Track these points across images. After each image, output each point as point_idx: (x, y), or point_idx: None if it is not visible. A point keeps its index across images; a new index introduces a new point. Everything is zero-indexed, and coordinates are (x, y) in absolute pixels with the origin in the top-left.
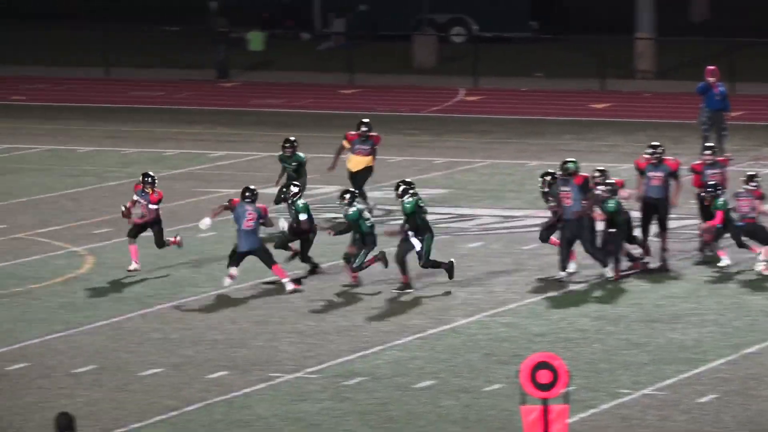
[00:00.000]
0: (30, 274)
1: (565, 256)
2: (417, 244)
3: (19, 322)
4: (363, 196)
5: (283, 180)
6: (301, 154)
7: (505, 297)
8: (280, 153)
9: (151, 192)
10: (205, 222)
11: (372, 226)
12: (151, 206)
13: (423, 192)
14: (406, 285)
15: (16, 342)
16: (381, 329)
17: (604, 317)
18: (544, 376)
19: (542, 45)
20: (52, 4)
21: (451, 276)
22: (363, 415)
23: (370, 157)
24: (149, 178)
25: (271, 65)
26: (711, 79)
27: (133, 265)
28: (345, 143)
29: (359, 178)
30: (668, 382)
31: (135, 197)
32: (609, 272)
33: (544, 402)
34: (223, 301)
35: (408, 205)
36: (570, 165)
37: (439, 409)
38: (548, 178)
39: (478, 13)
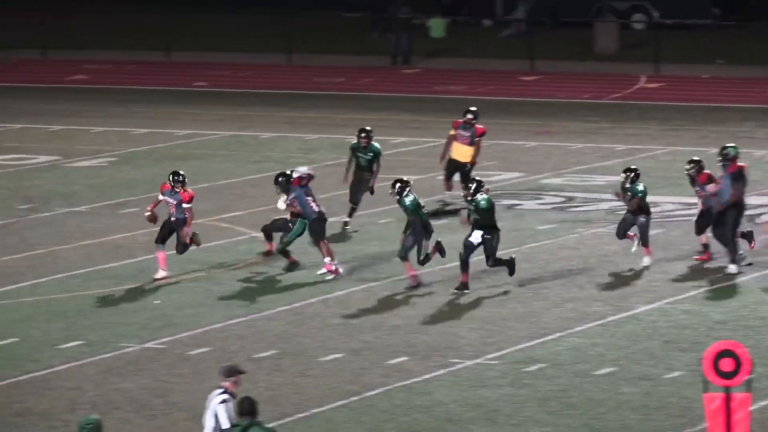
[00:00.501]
0: (212, 259)
1: (734, 248)
2: (477, 238)
3: (202, 307)
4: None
5: (351, 173)
6: (377, 145)
7: (684, 284)
8: (354, 142)
9: (182, 191)
10: (281, 205)
11: (428, 215)
12: (184, 205)
13: (604, 179)
14: (464, 285)
15: (198, 326)
16: (561, 316)
17: None
18: (727, 364)
19: (724, 32)
20: None
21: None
22: (543, 401)
23: (470, 149)
24: (179, 177)
25: (453, 52)
26: None
27: (161, 273)
28: (452, 131)
29: (454, 168)
30: None
31: (161, 197)
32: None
33: (727, 390)
34: (401, 288)
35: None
36: (730, 150)
37: (619, 396)
38: (692, 165)
39: (659, 0)
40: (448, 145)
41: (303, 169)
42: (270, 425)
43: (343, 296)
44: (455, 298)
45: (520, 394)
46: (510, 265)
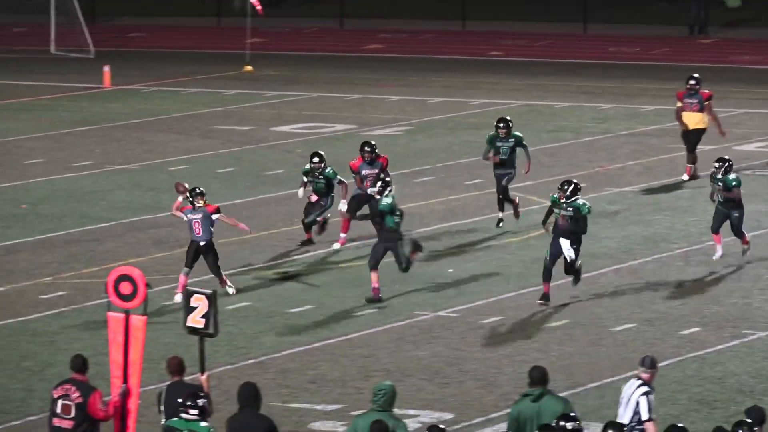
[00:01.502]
0: (507, 228)
1: None
2: (568, 251)
3: (495, 276)
4: (693, 160)
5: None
6: (518, 133)
7: None
8: (493, 133)
9: (204, 203)
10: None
11: (399, 223)
12: (213, 216)
13: None
14: (545, 296)
15: (491, 295)
16: None
17: None
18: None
19: None
20: None
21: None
22: None
23: (701, 115)
24: (198, 190)
25: (750, 22)
26: None
27: (178, 297)
28: (678, 103)
29: (692, 137)
30: None
31: (183, 216)
32: None
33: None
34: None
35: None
36: None
37: None
38: None
39: None
40: (679, 118)
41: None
42: (562, 394)
43: (636, 266)
44: (750, 268)
45: None
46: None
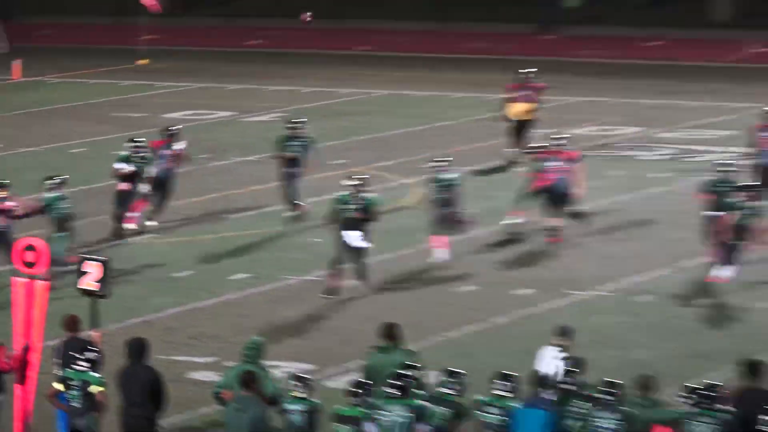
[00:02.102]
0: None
1: None
2: (356, 241)
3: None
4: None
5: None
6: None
7: None
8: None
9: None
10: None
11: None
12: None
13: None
14: (333, 290)
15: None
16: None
17: None
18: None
19: None
20: None
21: None
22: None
23: (530, 105)
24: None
25: (589, 20)
26: None
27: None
28: (508, 94)
29: (520, 126)
30: None
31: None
32: None
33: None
34: None
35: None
36: None
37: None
38: None
39: None
40: (506, 108)
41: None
42: (410, 347)
43: (482, 236)
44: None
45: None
46: None
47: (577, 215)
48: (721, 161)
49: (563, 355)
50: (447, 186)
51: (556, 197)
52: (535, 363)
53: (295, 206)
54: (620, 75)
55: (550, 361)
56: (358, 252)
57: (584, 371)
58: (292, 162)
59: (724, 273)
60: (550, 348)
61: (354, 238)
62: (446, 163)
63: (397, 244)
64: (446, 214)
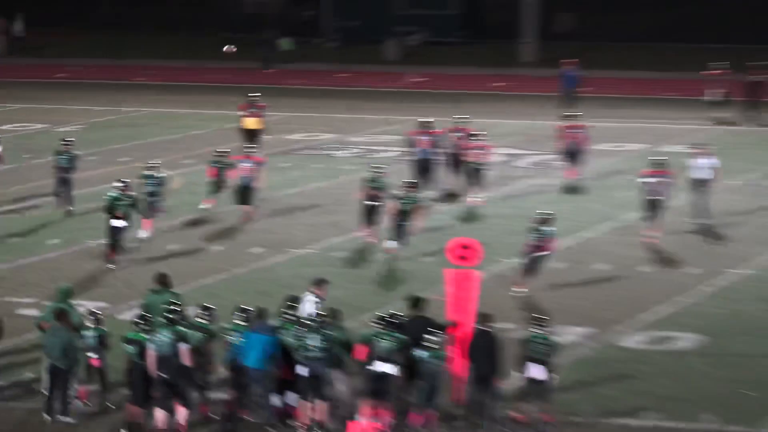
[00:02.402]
0: None
1: None
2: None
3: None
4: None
5: None
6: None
7: None
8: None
9: None
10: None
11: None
12: None
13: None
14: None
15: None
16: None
17: None
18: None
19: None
20: None
21: None
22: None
23: (257, 119)
24: None
25: (299, 59)
26: None
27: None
28: (241, 111)
29: (250, 135)
30: None
31: None
32: None
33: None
34: None
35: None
36: None
37: None
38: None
39: (426, 24)
40: (242, 123)
41: None
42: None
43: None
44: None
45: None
46: None
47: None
48: (376, 164)
49: (316, 300)
50: (154, 182)
51: (244, 189)
52: (300, 305)
53: (69, 211)
54: (321, 97)
55: (309, 303)
56: (119, 231)
57: (340, 319)
58: (63, 170)
59: (392, 245)
60: (308, 293)
61: (119, 223)
62: (157, 164)
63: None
64: (151, 203)
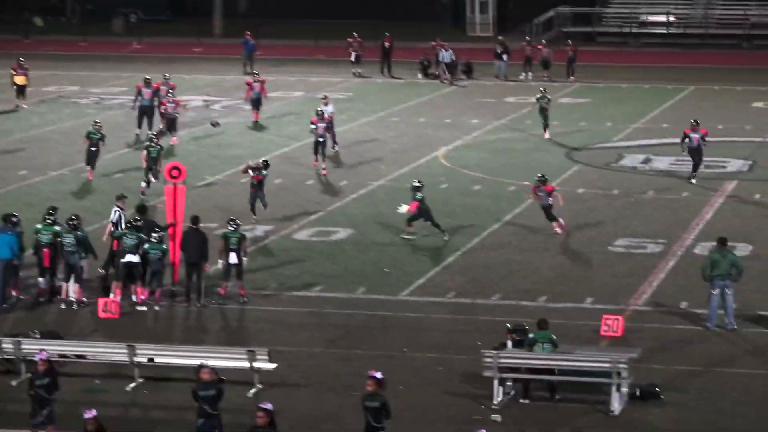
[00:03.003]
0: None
1: None
2: None
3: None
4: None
5: None
6: None
7: None
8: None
9: None
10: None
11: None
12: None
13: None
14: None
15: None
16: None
17: None
18: None
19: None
20: None
21: None
22: None
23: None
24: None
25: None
26: None
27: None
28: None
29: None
30: None
31: None
32: None
33: None
34: None
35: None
36: None
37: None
38: None
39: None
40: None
41: None
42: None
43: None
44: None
45: None
46: None
47: None
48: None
49: (118, 209)
50: None
51: None
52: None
53: None
54: (68, 60)
55: (114, 213)
56: None
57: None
58: None
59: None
60: (115, 206)
61: None
62: None
63: None
64: None
